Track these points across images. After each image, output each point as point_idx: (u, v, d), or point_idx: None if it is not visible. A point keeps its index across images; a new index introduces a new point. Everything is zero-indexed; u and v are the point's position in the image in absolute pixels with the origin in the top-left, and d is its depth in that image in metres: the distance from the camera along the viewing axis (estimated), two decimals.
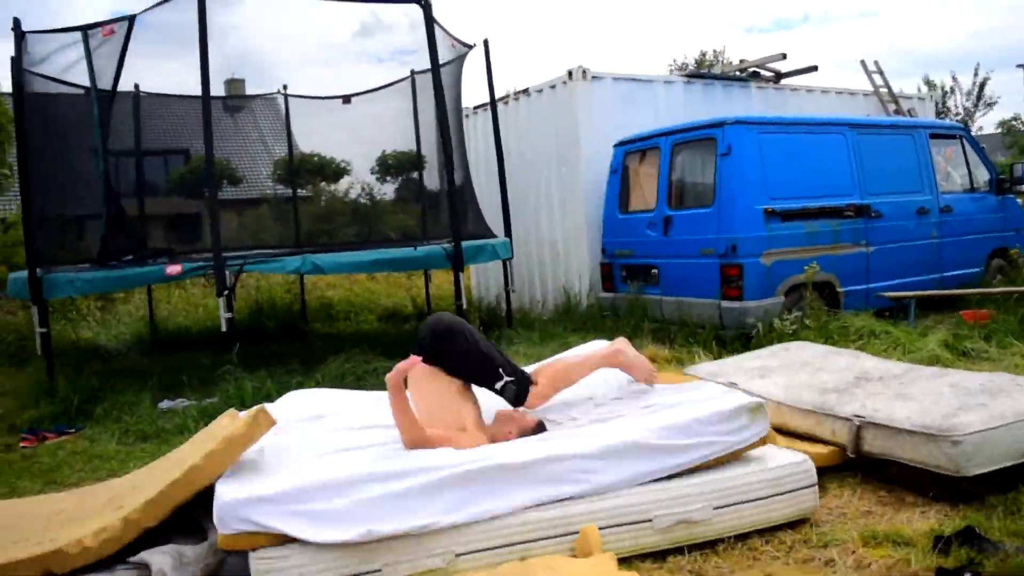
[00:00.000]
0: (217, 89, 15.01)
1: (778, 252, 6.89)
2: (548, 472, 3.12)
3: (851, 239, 7.39)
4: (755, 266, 6.79)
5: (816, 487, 3.40)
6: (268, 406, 3.66)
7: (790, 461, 3.40)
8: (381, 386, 6.39)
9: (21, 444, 5.82)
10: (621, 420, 3.55)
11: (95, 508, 3.44)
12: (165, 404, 6.21)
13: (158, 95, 9.97)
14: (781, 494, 3.31)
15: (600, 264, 8.55)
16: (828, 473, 3.92)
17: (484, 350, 3.93)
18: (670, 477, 3.25)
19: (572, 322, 8.43)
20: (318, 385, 6.17)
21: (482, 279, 10.85)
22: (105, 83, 7.25)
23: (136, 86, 9.40)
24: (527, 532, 3.04)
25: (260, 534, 2.88)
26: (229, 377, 6.05)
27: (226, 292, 5.97)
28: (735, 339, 6.79)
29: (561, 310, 8.91)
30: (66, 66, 7.19)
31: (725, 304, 6.90)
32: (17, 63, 6.48)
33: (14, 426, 6.29)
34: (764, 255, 6.82)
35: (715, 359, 6.47)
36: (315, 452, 3.41)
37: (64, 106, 7.70)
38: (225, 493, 2.96)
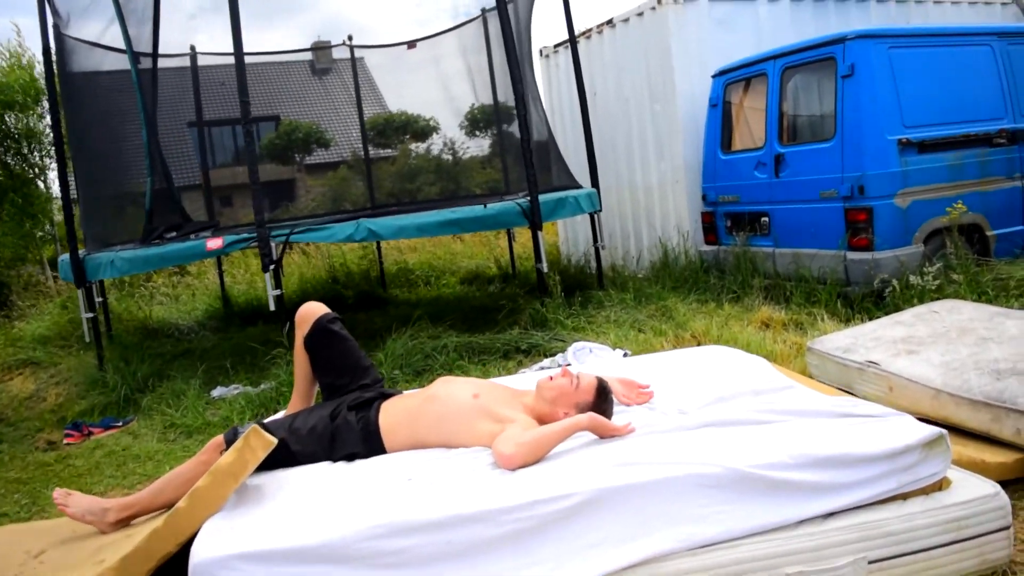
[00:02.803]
0: (306, 54, 14.64)
1: (915, 191, 5.77)
2: (658, 510, 2.31)
3: (1004, 171, 6.17)
4: (887, 209, 5.70)
5: (1011, 529, 2.46)
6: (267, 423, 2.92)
7: (976, 496, 2.44)
8: (450, 366, 5.72)
9: (65, 441, 5.36)
10: (747, 430, 2.67)
11: (79, 558, 2.81)
12: (217, 392, 5.64)
13: (215, 64, 9.37)
14: (961, 541, 2.39)
15: (701, 213, 7.56)
16: (1012, 485, 2.96)
17: None
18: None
19: (671, 280, 7.51)
20: (379, 367, 5.49)
21: (570, 234, 9.98)
22: (143, 46, 6.64)
23: (192, 48, 8.81)
24: None
25: None
26: (281, 361, 5.43)
27: (272, 266, 5.31)
28: (864, 297, 5.74)
29: (658, 266, 7.97)
30: (98, 35, 6.62)
31: (851, 256, 5.85)
32: (43, 24, 5.90)
33: (65, 419, 5.85)
34: (898, 195, 5.72)
35: (841, 323, 5.48)
36: (327, 485, 2.64)
37: (104, 77, 7.17)
38: (201, 548, 2.26)
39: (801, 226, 6.31)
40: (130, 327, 8.43)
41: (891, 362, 3.79)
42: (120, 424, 5.50)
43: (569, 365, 5.28)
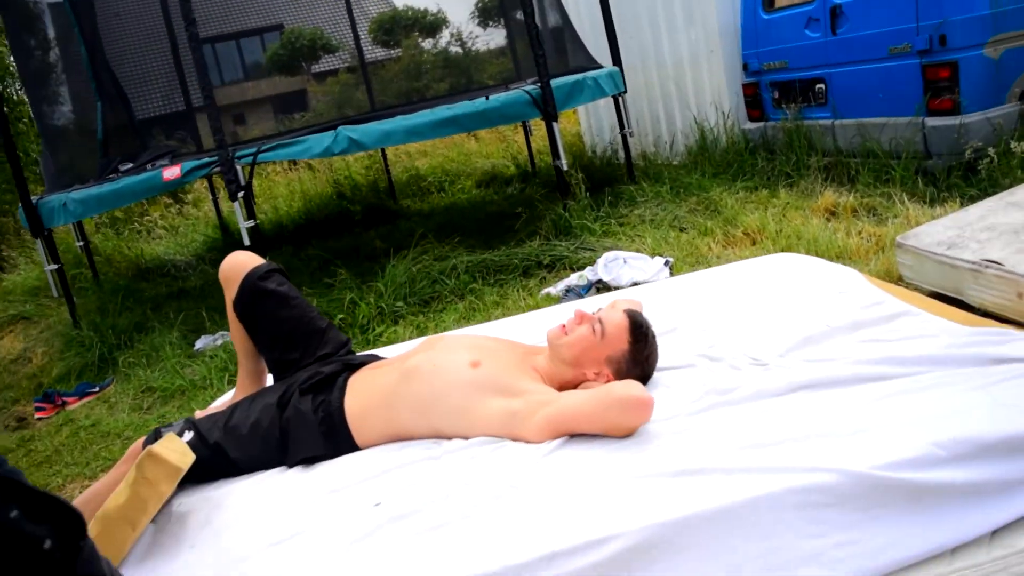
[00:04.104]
0: None
1: (1009, 37, 4.71)
2: (744, 552, 1.51)
3: None
4: (976, 62, 4.67)
5: None
6: (179, 434, 2.10)
7: None
8: (462, 291, 4.90)
9: (36, 416, 4.69)
10: (860, 395, 1.85)
11: None
12: (201, 343, 4.91)
13: None
14: None
15: (742, 85, 6.53)
16: None
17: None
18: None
19: (711, 165, 6.57)
20: (379, 300, 4.71)
21: (593, 121, 8.97)
22: None
23: None
24: None
25: None
26: None
27: (240, 193, 4.47)
28: (950, 171, 4.77)
29: (695, 151, 7.01)
30: None
31: (932, 122, 4.85)
32: None
33: (42, 386, 5.19)
34: (989, 44, 4.67)
35: (926, 205, 4.56)
36: (261, 519, 1.85)
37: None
38: None
39: (866, 91, 5.29)
40: (121, 269, 7.72)
41: (1019, 260, 2.91)
42: (96, 390, 4.82)
43: (594, 285, 4.46)
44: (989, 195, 4.35)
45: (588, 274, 4.62)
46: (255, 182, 11.23)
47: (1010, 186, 4.24)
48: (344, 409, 2.16)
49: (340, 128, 4.53)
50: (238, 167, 4.51)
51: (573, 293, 4.47)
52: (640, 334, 2.13)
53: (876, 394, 1.85)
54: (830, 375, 1.97)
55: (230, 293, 2.36)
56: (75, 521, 0.88)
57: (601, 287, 4.50)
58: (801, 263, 3.01)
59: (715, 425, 1.83)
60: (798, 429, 1.72)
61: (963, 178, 4.66)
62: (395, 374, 2.16)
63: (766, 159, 6.14)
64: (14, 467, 0.93)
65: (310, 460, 2.13)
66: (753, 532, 1.51)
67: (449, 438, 2.08)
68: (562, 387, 2.16)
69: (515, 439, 1.98)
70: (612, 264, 4.57)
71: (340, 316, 4.52)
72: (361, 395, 2.17)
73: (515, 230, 5.60)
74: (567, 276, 4.75)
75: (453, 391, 2.07)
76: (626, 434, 1.84)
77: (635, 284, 4.38)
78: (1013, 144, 4.42)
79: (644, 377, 2.17)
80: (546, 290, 4.63)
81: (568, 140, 9.17)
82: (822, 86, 5.65)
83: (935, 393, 1.81)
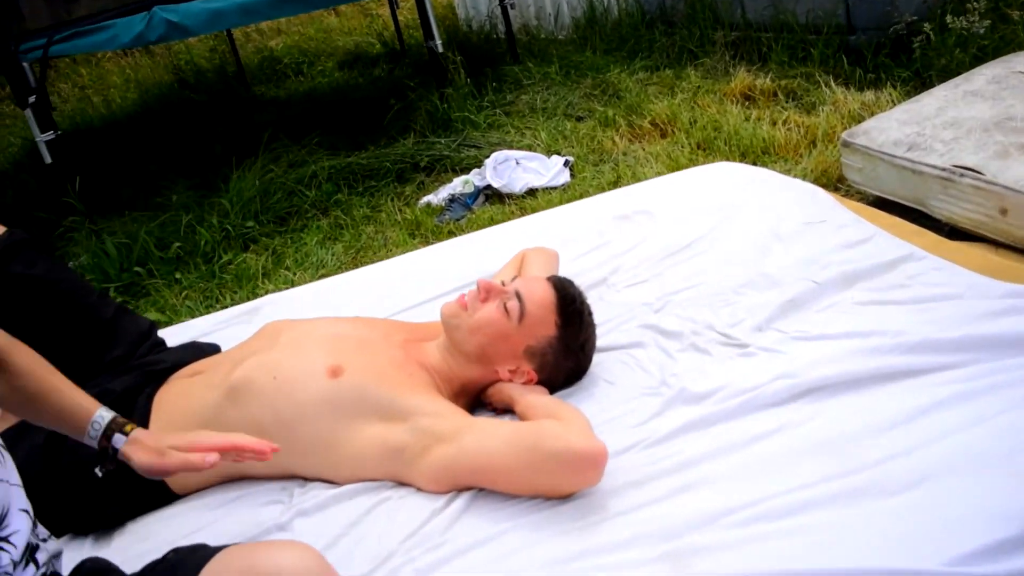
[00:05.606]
0: None
1: None
2: None
3: None
4: None
5: None
6: None
7: None
8: (324, 203, 4.13)
9: None
10: (892, 401, 1.29)
11: None
12: None
13: None
14: None
15: None
16: None
17: None
18: None
19: (603, 41, 5.86)
20: (224, 220, 3.89)
21: None
22: None
23: None
24: None
25: None
26: (79, 233, 3.74)
27: (32, 99, 3.46)
28: (878, 49, 4.22)
29: (584, 24, 6.27)
30: None
31: None
32: None
33: None
34: None
35: (855, 90, 4.02)
36: None
37: None
38: None
39: None
40: None
41: (1001, 168, 2.40)
42: None
43: (482, 192, 3.79)
44: (924, 78, 3.88)
45: (474, 179, 3.92)
46: (84, 71, 9.79)
47: (946, 67, 3.76)
48: None
49: (155, 8, 3.55)
50: (25, 65, 3.49)
51: (458, 203, 3.78)
52: (572, 312, 1.50)
53: (911, 403, 1.30)
54: (839, 371, 1.39)
55: None
56: None
57: (491, 194, 3.84)
58: (747, 177, 2.42)
59: (690, 473, 1.23)
60: (817, 481, 1.16)
61: (891, 57, 4.13)
62: (218, 392, 1.46)
63: (665, 33, 5.47)
64: None
65: (110, 521, 1.45)
66: None
67: (305, 479, 1.43)
68: (463, 389, 1.53)
69: (400, 483, 1.36)
70: (503, 167, 3.88)
71: (177, 244, 3.69)
72: (172, 421, 1.47)
73: (385, 125, 4.81)
74: (449, 181, 4.03)
75: (306, 417, 1.40)
76: (562, 496, 1.23)
77: (531, 190, 3.76)
78: (949, 19, 3.88)
79: (579, 371, 1.56)
80: (426, 199, 3.92)
81: (439, 13, 8.20)
82: None
83: (994, 402, 1.26)
